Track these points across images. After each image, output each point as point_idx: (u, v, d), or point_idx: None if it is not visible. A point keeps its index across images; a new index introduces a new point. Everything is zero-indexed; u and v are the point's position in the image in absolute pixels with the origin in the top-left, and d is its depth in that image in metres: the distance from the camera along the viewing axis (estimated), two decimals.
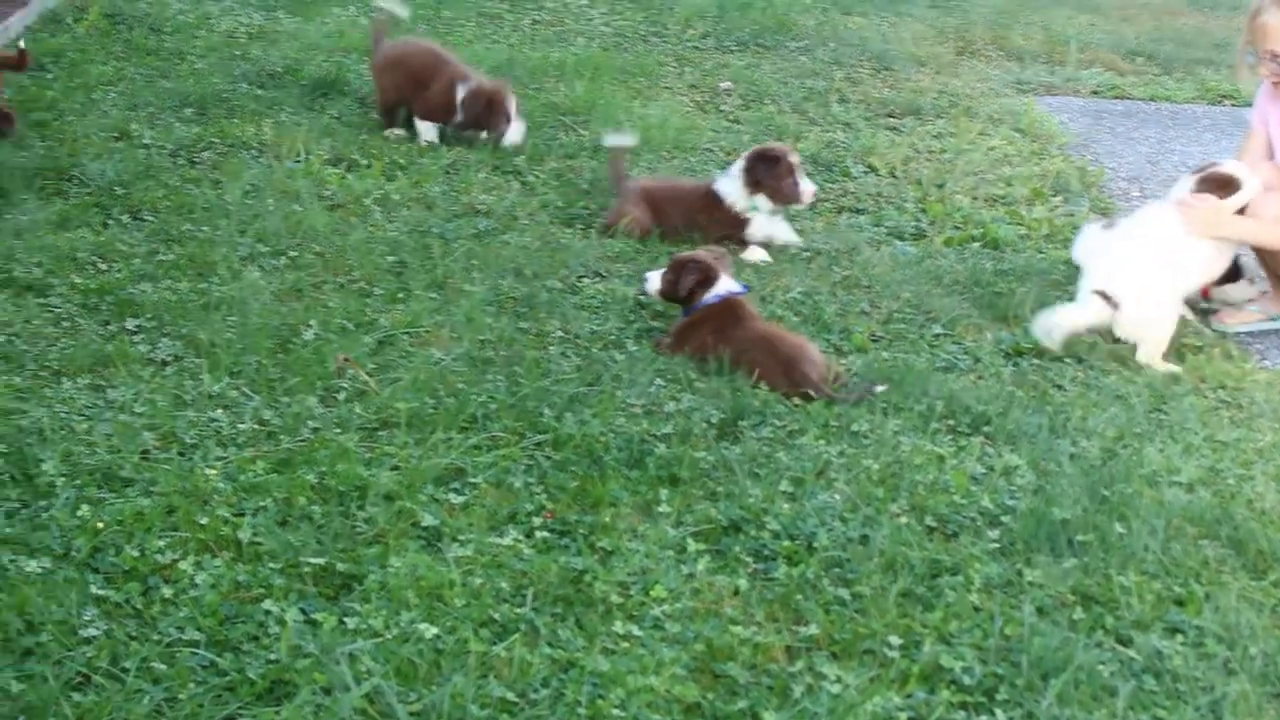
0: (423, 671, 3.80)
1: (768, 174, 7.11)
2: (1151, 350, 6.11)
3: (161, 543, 4.23)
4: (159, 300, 5.87)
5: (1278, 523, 4.75)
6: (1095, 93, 11.06)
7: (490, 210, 7.28)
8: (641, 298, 6.23)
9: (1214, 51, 12.12)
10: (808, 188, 7.20)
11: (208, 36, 10.12)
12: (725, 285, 5.96)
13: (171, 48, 9.73)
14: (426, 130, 8.35)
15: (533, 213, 7.31)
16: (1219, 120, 10.33)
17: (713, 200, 7.21)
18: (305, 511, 4.46)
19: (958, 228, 7.51)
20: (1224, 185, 6.43)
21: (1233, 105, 10.58)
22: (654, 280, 6.11)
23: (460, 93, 8.21)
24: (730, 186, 7.20)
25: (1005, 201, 7.94)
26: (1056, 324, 6.06)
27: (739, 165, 7.22)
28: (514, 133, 8.22)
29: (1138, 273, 6.17)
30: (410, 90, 8.38)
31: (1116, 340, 6.14)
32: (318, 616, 3.96)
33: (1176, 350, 6.20)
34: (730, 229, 7.15)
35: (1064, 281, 6.69)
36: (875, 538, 4.50)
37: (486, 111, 8.20)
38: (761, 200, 7.15)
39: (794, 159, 7.20)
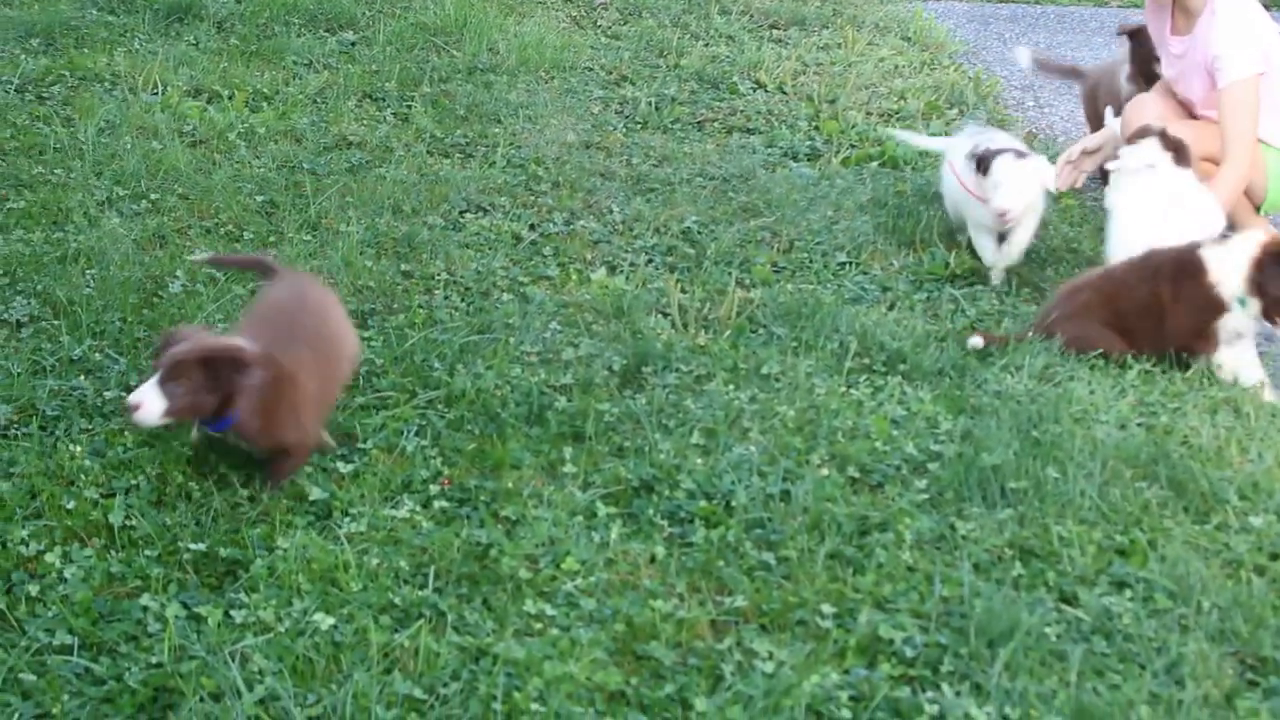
0: (320, 669, 3.47)
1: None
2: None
3: (24, 532, 3.87)
4: (10, 254, 5.45)
5: (1215, 460, 4.47)
6: None
7: (363, 142, 6.87)
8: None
9: None
10: None
11: None
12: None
13: None
14: None
15: (408, 143, 6.90)
16: (1106, 22, 10.07)
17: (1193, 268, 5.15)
18: (182, 489, 4.11)
19: (854, 146, 7.17)
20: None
21: (1119, 7, 10.38)
22: (153, 401, 3.93)
23: None
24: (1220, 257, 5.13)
25: (900, 116, 7.61)
26: None
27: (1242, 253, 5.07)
28: None
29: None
30: None
31: None
32: (202, 610, 3.62)
33: None
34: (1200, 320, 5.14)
35: None
36: (797, 493, 4.20)
37: None
38: (1253, 304, 5.06)
39: None
